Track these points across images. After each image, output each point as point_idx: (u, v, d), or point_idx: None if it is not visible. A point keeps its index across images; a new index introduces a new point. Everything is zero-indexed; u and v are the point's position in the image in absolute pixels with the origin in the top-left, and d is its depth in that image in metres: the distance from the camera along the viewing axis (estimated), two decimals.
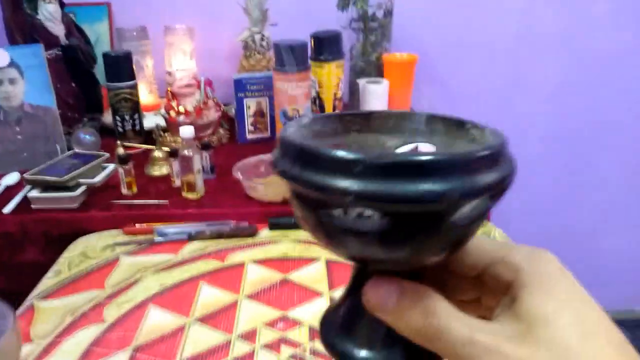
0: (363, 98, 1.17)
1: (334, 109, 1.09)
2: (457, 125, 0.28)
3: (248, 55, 1.21)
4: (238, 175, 0.84)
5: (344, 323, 0.27)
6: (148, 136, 1.04)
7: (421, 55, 1.27)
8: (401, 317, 0.24)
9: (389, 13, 1.25)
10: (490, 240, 0.27)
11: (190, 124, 1.01)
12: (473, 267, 0.26)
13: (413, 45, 1.34)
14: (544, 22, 1.46)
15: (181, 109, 1.00)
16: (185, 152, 0.82)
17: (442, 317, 0.23)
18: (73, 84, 1.05)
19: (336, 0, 1.24)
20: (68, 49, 1.03)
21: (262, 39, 1.21)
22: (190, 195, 0.85)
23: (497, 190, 0.22)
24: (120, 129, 1.01)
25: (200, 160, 0.84)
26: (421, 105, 1.43)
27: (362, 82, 1.18)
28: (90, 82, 1.09)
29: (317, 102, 1.08)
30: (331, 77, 1.06)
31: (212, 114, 1.05)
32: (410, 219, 0.21)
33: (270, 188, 0.83)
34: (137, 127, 1.02)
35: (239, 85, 1.04)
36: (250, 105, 1.05)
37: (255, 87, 1.05)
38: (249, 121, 1.07)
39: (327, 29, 1.10)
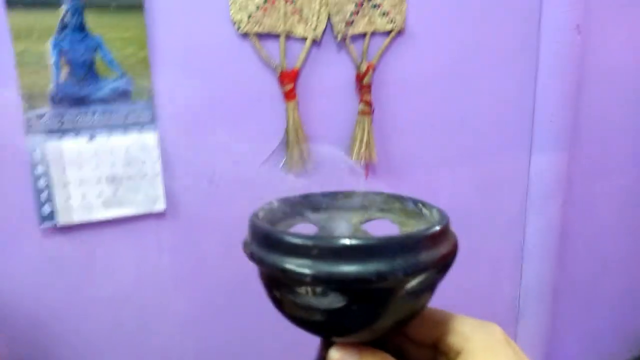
0: None
1: None
2: (411, 204, 0.30)
3: None
4: None
5: None
6: None
7: None
8: None
9: None
10: (442, 311, 0.28)
11: None
12: (428, 336, 0.28)
13: None
14: None
15: None
16: None
17: None
18: None
19: None
20: None
21: None
22: None
23: (440, 265, 0.24)
24: None
25: None
26: None
27: None
28: None
29: None
30: None
31: None
32: (364, 295, 0.23)
33: None
34: None
35: None
36: None
37: None
38: None
39: None
